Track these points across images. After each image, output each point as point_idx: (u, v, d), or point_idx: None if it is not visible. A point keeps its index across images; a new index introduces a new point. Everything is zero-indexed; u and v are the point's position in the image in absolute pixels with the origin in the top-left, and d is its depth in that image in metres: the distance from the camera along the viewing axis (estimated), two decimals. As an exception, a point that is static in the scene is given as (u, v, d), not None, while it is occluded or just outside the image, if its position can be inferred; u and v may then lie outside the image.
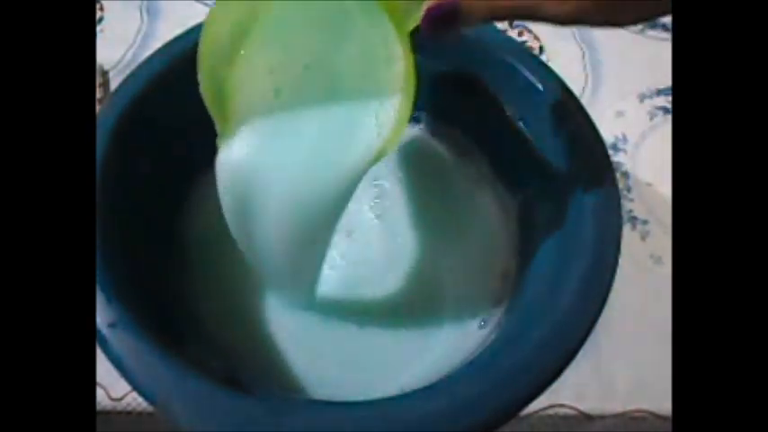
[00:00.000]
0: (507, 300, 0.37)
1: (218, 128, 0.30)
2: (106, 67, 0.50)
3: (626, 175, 0.48)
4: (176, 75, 0.37)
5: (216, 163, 0.31)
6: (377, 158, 0.28)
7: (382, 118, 0.28)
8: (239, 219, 0.31)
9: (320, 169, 0.30)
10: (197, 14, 0.46)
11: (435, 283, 0.38)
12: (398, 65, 0.26)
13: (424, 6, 0.24)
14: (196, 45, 0.36)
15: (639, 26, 0.57)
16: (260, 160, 0.30)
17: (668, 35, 0.56)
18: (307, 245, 0.32)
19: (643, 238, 0.45)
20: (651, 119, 0.52)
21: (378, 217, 0.41)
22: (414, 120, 0.43)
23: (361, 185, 0.30)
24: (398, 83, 0.27)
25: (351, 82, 0.29)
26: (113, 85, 0.48)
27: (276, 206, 0.30)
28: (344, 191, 0.30)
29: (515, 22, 0.57)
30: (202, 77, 0.29)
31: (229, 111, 0.30)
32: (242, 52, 0.29)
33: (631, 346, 0.41)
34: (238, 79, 0.30)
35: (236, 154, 0.30)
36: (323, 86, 0.30)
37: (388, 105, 0.27)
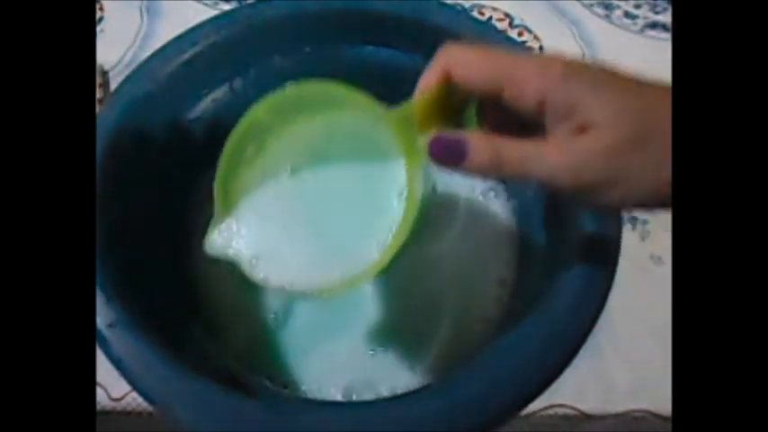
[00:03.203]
0: (507, 300, 0.37)
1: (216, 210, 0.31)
2: (106, 67, 0.50)
3: (626, 175, 0.48)
4: (176, 75, 0.37)
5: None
6: (363, 280, 0.29)
7: (382, 241, 0.29)
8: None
9: (315, 275, 0.30)
10: (197, 14, 0.46)
11: (435, 285, 0.38)
12: (406, 202, 0.28)
13: (430, 136, 0.25)
14: (196, 45, 0.37)
15: (639, 26, 0.57)
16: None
17: (668, 35, 0.56)
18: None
19: (643, 238, 0.45)
20: (651, 119, 0.52)
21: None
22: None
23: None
24: (402, 213, 0.28)
25: (362, 207, 0.30)
26: (113, 85, 0.48)
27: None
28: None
29: (515, 22, 0.57)
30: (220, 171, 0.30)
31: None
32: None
33: (631, 346, 0.41)
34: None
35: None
36: (335, 205, 0.31)
37: (389, 232, 0.29)
